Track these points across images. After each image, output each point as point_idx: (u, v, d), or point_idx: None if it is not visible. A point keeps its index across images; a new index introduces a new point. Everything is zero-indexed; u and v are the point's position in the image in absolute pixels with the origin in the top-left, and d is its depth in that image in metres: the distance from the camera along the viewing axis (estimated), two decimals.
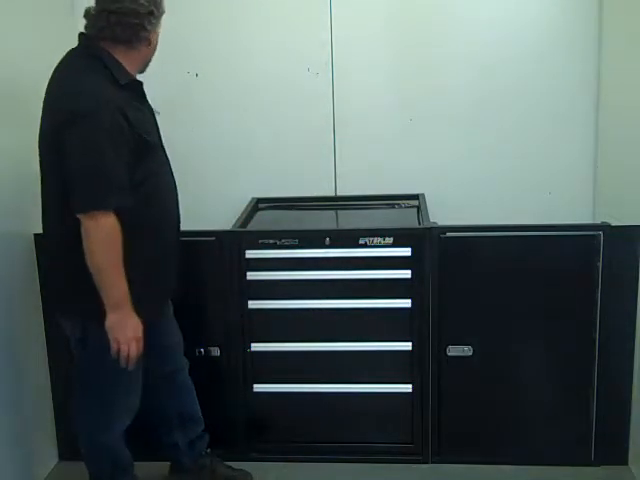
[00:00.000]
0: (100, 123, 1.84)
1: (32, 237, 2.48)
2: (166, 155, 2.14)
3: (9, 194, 2.37)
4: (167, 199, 2.10)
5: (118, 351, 1.95)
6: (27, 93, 2.45)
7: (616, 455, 2.53)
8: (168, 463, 2.50)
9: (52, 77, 2.01)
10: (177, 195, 2.16)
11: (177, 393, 2.38)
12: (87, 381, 2.13)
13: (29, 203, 2.47)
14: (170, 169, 2.14)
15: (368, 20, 2.92)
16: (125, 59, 1.97)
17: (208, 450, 2.48)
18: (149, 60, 2.06)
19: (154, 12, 1.95)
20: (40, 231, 2.46)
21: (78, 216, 1.87)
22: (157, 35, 2.03)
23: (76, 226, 1.89)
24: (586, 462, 2.52)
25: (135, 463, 2.29)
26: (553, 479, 2.48)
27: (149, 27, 1.96)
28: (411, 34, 2.93)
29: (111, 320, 1.93)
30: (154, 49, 2.05)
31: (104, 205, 1.87)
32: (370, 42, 2.94)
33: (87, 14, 1.97)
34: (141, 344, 1.98)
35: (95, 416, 2.15)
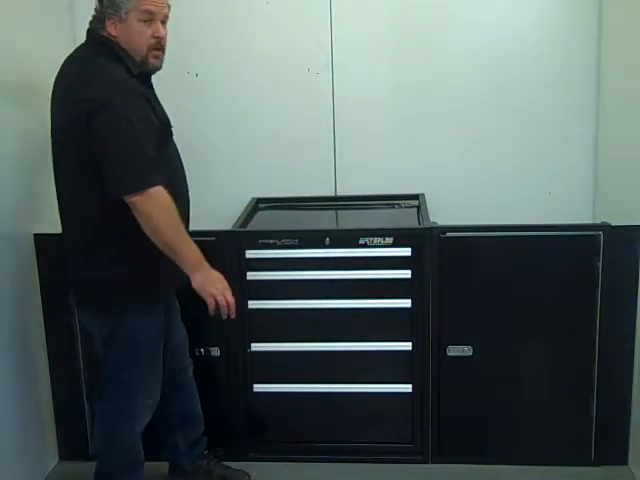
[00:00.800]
0: (129, 106, 1.89)
1: (32, 237, 2.49)
2: (177, 149, 2.17)
3: (9, 194, 2.37)
4: (179, 187, 2.11)
5: (216, 305, 2.01)
6: (27, 93, 2.46)
7: (616, 455, 2.53)
8: (167, 463, 2.50)
9: (63, 72, 2.03)
10: (187, 185, 2.19)
11: (180, 393, 2.38)
12: (113, 377, 2.15)
13: (29, 203, 2.48)
14: (181, 164, 2.17)
15: (368, 20, 2.92)
16: (124, 40, 1.98)
17: (206, 451, 2.48)
18: (132, 52, 2.01)
19: (102, 1, 1.98)
20: (40, 231, 2.49)
21: (128, 199, 1.90)
22: (123, 28, 1.98)
23: (107, 218, 1.95)
24: (586, 462, 2.52)
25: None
26: (553, 479, 2.48)
27: (101, 15, 2.00)
28: (411, 34, 2.92)
29: (197, 281, 1.99)
30: (125, 43, 1.99)
31: (152, 181, 1.91)
32: (370, 42, 2.94)
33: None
34: (230, 293, 2.04)
35: (119, 411, 2.17)
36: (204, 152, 3.01)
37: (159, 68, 2.07)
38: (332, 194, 3.06)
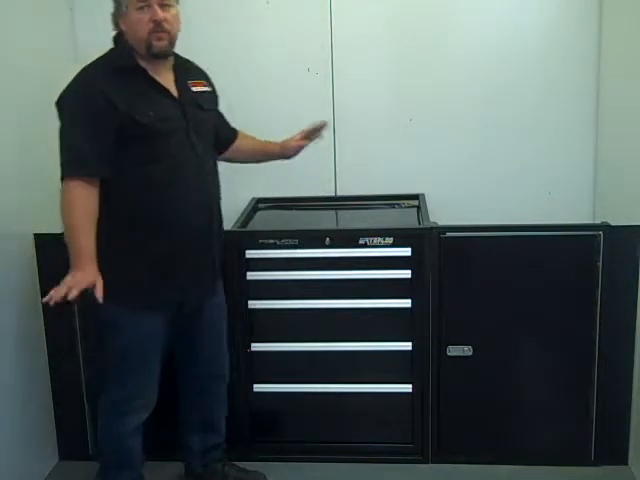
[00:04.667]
0: (76, 102, 1.99)
1: (32, 237, 2.48)
2: (197, 150, 2.11)
3: (9, 194, 2.37)
4: (172, 188, 2.06)
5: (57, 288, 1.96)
6: (27, 93, 2.46)
7: (616, 455, 2.53)
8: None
9: None
10: (202, 190, 2.13)
11: (203, 401, 2.38)
12: (107, 372, 2.18)
13: (29, 203, 2.48)
14: (194, 163, 2.10)
15: (368, 20, 2.92)
16: (130, 33, 2.03)
17: (222, 456, 2.48)
18: (137, 45, 2.03)
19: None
20: (40, 231, 2.49)
21: None
22: (127, 21, 2.02)
23: (101, 210, 2.01)
24: (586, 462, 2.52)
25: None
26: (553, 479, 2.49)
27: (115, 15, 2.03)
28: (411, 34, 2.92)
29: (71, 270, 1.99)
30: (131, 34, 2.02)
31: (67, 173, 1.99)
32: (370, 42, 2.94)
33: None
34: (74, 293, 1.93)
35: (112, 407, 2.20)
36: None
37: (168, 50, 2.06)
38: (332, 194, 3.06)
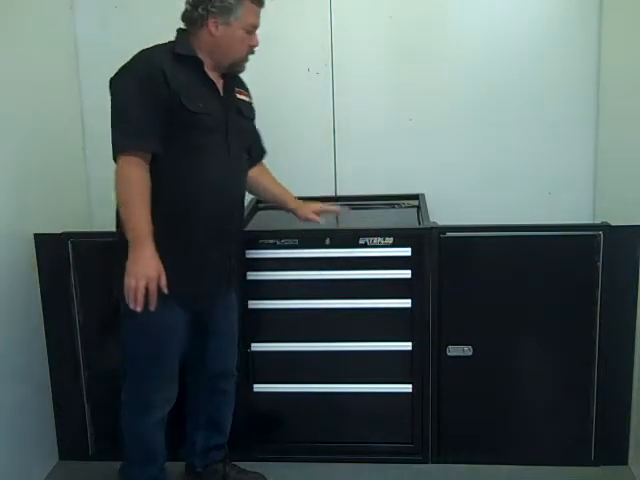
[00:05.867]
0: (133, 74, 1.98)
1: (32, 237, 2.48)
2: (231, 152, 2.13)
3: (9, 194, 2.37)
4: (205, 181, 2.07)
5: (127, 287, 1.93)
6: (27, 92, 2.46)
7: (616, 455, 2.53)
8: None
9: None
10: (233, 194, 2.17)
11: (215, 398, 2.39)
12: (129, 364, 2.19)
13: (29, 203, 2.48)
14: (226, 163, 2.12)
15: (368, 20, 2.92)
16: (195, 41, 2.06)
17: (223, 456, 2.48)
18: (221, 56, 2.08)
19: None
20: (40, 231, 2.49)
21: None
22: (228, 32, 2.05)
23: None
24: (586, 462, 2.52)
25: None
26: (553, 479, 2.49)
27: (202, 11, 2.02)
28: (411, 34, 2.93)
29: (129, 257, 1.95)
30: (223, 45, 2.06)
31: (125, 148, 1.96)
32: (370, 42, 2.94)
33: None
34: (153, 285, 1.93)
35: (136, 401, 2.21)
36: None
37: (242, 71, 2.19)
38: (332, 194, 3.06)
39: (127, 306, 1.96)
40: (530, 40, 2.90)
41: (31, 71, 2.49)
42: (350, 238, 2.46)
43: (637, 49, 2.52)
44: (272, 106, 3.00)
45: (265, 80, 2.98)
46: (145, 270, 1.93)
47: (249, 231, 2.61)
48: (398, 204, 2.93)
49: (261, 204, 2.98)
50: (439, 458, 2.59)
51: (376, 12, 2.92)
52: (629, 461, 2.53)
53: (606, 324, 2.42)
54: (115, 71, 2.01)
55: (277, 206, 2.49)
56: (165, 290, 1.96)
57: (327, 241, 2.46)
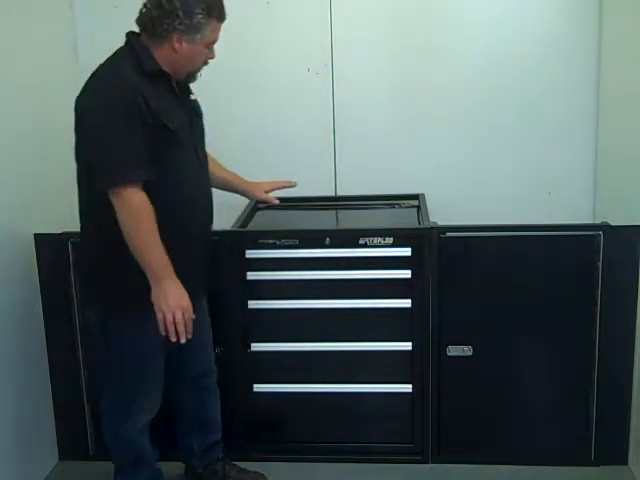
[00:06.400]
0: (116, 101, 1.90)
1: (32, 237, 2.48)
2: (200, 159, 2.14)
3: (9, 194, 2.37)
4: (186, 195, 2.07)
5: (165, 322, 1.96)
6: (26, 92, 2.46)
7: (616, 455, 2.53)
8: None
9: None
10: (205, 198, 2.18)
11: (198, 397, 2.38)
12: (108, 372, 2.18)
13: (29, 203, 2.48)
14: (198, 172, 2.13)
15: (368, 20, 2.92)
16: (155, 52, 2.01)
17: (222, 455, 2.48)
18: (181, 69, 2.06)
19: (179, 16, 1.95)
20: (40, 231, 2.49)
21: (109, 196, 1.92)
22: (191, 49, 2.01)
23: (93, 215, 1.99)
24: (586, 462, 2.52)
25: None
26: (553, 479, 2.48)
27: (167, 26, 1.96)
28: (411, 34, 2.93)
29: (154, 293, 1.96)
30: (184, 60, 2.03)
31: (125, 180, 1.91)
32: (370, 42, 2.94)
33: None
34: (188, 313, 1.98)
35: (116, 408, 2.19)
36: None
37: (182, 80, 2.13)
38: (332, 194, 3.06)
39: (110, 322, 2.02)
40: (531, 41, 2.90)
41: (31, 71, 2.49)
42: (350, 238, 2.46)
43: (637, 49, 2.51)
44: (272, 106, 3.01)
45: (265, 80, 2.99)
46: (178, 302, 1.97)
47: (249, 231, 2.61)
48: (398, 204, 2.93)
49: (261, 204, 2.98)
50: (439, 458, 2.59)
51: (376, 12, 2.92)
52: (629, 461, 2.53)
53: (606, 324, 2.42)
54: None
55: (228, 190, 2.48)
56: (194, 316, 2.01)
57: (327, 241, 2.46)
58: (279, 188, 2.56)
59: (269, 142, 3.04)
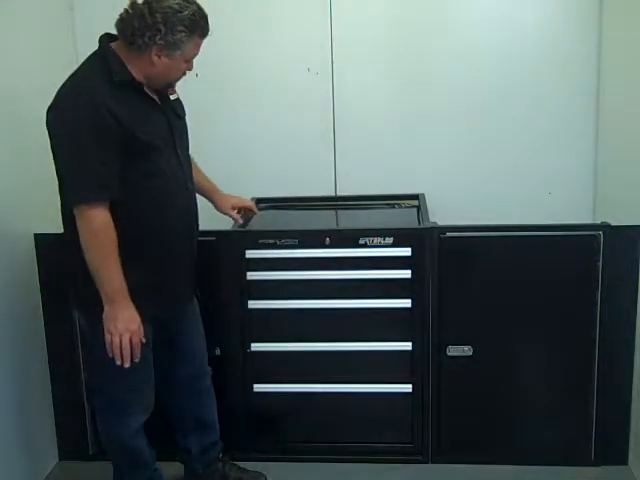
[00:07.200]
0: (83, 118, 1.86)
1: (32, 237, 2.49)
2: (181, 162, 2.11)
3: (9, 194, 2.37)
4: (168, 203, 2.06)
5: (111, 345, 1.95)
6: (25, 92, 2.46)
7: (616, 455, 2.53)
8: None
9: None
10: (189, 202, 2.15)
11: (194, 399, 2.38)
12: (98, 373, 2.18)
13: (29, 203, 2.48)
14: (180, 176, 2.10)
15: (368, 20, 2.92)
16: (131, 62, 1.96)
17: (221, 455, 2.48)
18: (156, 81, 2.02)
19: (160, 31, 1.90)
20: (40, 231, 2.49)
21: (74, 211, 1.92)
22: (170, 63, 1.97)
23: (68, 221, 1.97)
24: (586, 462, 2.52)
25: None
26: (553, 479, 2.48)
27: (148, 40, 1.91)
28: (411, 35, 2.93)
29: (105, 312, 1.95)
30: (161, 74, 1.99)
31: (88, 199, 1.90)
32: (370, 42, 2.94)
33: None
34: (136, 337, 1.97)
35: (109, 411, 2.19)
36: (204, 152, 3.00)
37: (159, 89, 2.09)
38: (332, 194, 3.06)
39: (97, 324, 1.98)
40: (531, 40, 2.90)
41: (31, 71, 2.49)
42: (350, 238, 2.46)
43: (637, 50, 2.51)
44: (272, 106, 3.01)
45: (265, 80, 2.99)
46: (127, 325, 1.95)
47: (249, 231, 2.61)
48: (398, 204, 2.93)
49: (261, 204, 2.98)
50: (439, 458, 2.59)
51: (376, 12, 2.92)
52: (629, 461, 2.53)
53: (606, 324, 2.42)
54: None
55: (201, 195, 2.43)
56: (144, 340, 2.00)
57: (327, 241, 2.46)
58: (245, 208, 2.55)
59: (269, 142, 3.04)
